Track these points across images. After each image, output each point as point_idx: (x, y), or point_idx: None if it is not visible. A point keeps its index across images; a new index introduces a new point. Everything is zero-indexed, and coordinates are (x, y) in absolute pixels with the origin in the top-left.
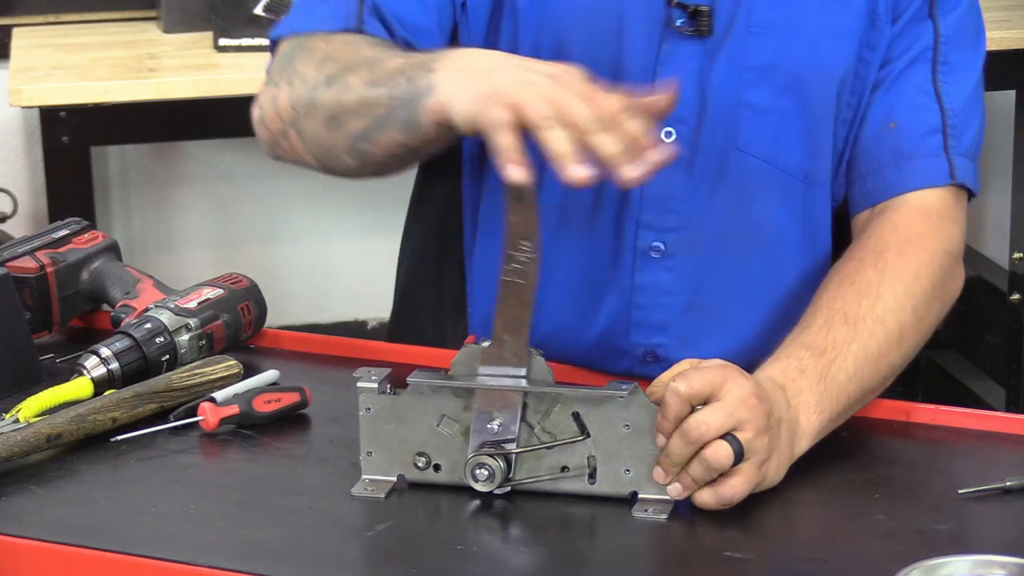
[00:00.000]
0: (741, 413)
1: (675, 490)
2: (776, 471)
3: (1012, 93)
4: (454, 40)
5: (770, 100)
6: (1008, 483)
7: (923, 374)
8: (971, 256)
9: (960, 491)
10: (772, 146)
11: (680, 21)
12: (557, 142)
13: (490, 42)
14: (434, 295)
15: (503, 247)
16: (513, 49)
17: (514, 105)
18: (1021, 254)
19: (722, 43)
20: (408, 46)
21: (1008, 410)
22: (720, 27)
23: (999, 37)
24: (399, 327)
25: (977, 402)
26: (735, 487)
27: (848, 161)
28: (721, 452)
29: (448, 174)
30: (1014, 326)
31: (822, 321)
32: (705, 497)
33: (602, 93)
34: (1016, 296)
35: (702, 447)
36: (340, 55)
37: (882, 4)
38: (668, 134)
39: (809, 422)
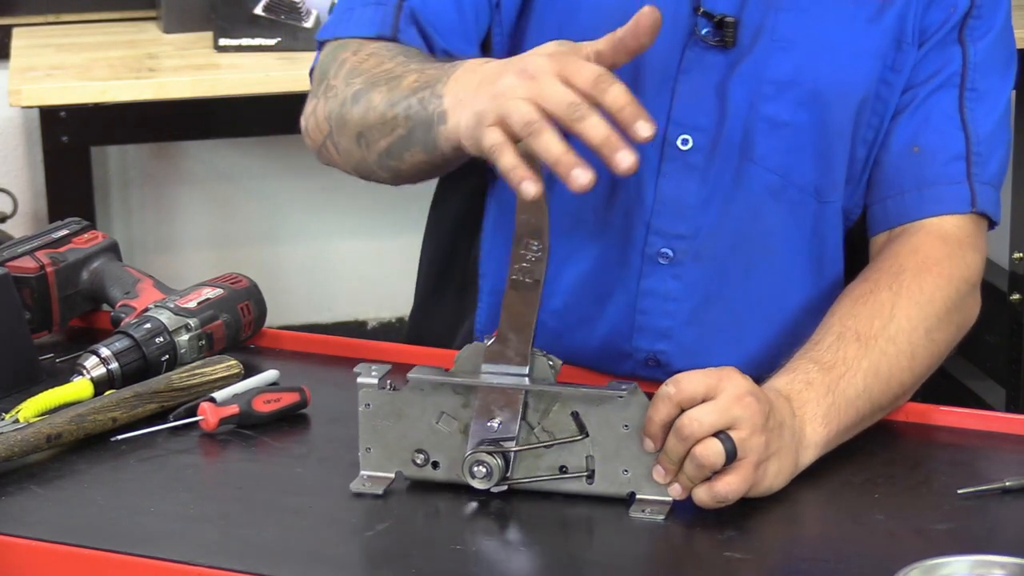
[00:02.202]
0: (736, 411)
1: (675, 490)
2: (777, 476)
3: (1012, 93)
4: (487, 41)
5: (788, 115)
6: (1008, 483)
7: None
8: None
9: (960, 491)
10: (786, 160)
11: (705, 31)
12: (547, 147)
13: (515, 44)
14: (452, 297)
15: (512, 245)
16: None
17: (498, 122)
18: (1021, 254)
19: (745, 55)
20: (447, 53)
21: (1008, 410)
22: (745, 39)
23: None
24: (419, 329)
25: (977, 402)
26: (729, 484)
27: (869, 182)
28: (711, 449)
29: (468, 175)
30: (1014, 326)
31: (833, 338)
32: (700, 494)
33: (576, 63)
34: (1016, 296)
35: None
36: (366, 67)
37: (910, 27)
38: (685, 141)
39: (815, 432)
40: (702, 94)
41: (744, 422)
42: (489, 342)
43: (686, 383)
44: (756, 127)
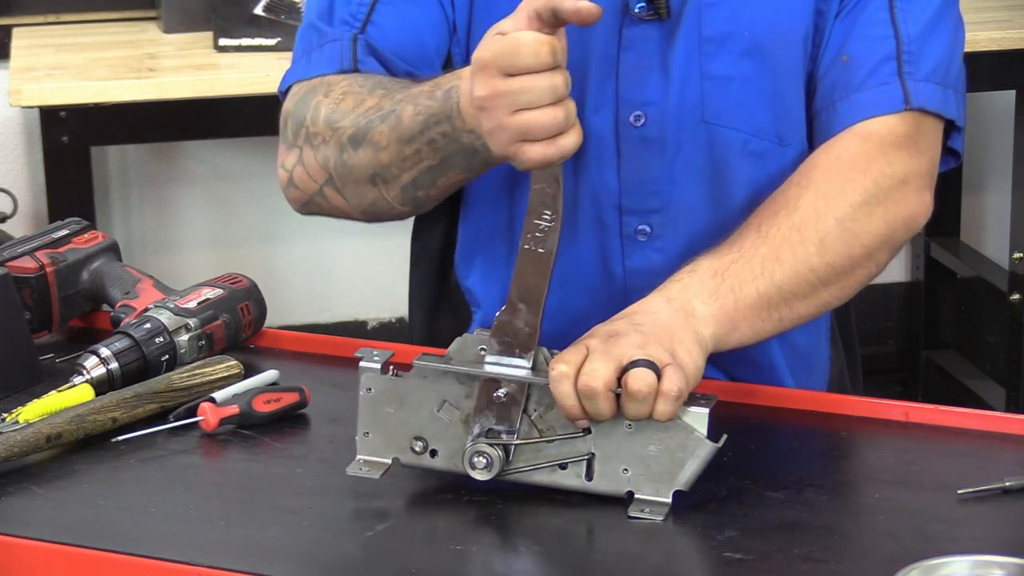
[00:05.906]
0: (608, 344)
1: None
2: (687, 354)
3: (1012, 93)
4: (448, 60)
5: (730, 68)
6: (1007, 483)
7: (923, 374)
8: (971, 256)
9: (960, 491)
10: (739, 113)
11: (639, 7)
12: (571, 145)
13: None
14: (448, 316)
15: (526, 215)
16: None
17: (516, 133)
18: (1021, 254)
19: (679, 20)
20: (410, 76)
21: (1008, 410)
22: (676, 5)
23: (999, 37)
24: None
25: (977, 402)
26: (671, 381)
27: (807, 98)
28: (642, 379)
29: (441, 214)
30: (1014, 326)
31: (733, 236)
32: (660, 408)
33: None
34: (1016, 296)
35: (628, 396)
36: (347, 108)
37: None
38: (638, 117)
39: (704, 304)
40: (646, 69)
41: (627, 341)
42: (497, 313)
43: (562, 356)
44: (704, 87)
